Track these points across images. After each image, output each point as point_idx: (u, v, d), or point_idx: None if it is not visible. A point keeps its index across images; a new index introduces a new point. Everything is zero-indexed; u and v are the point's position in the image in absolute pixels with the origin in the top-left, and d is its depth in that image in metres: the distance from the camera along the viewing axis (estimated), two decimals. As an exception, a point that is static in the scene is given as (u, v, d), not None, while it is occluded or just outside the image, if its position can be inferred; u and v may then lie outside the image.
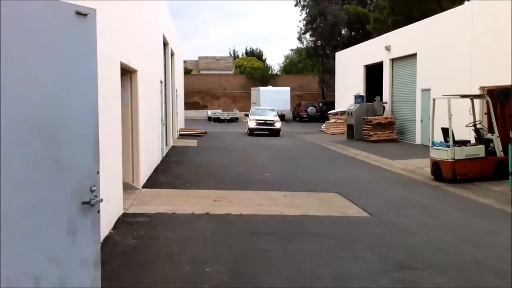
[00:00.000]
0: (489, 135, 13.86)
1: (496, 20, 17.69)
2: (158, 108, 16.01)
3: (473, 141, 14.34)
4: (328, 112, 35.47)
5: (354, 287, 5.84)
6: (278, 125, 30.23)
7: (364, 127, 25.79)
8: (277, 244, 7.54)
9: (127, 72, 11.07)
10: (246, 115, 33.48)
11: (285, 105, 46.13)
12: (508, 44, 16.61)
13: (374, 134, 25.03)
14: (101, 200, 3.98)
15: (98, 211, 3.99)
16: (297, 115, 47.91)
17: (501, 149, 13.43)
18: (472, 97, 14.66)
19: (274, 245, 7.50)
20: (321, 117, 42.56)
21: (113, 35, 8.35)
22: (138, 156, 11.54)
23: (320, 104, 47.30)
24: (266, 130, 30.04)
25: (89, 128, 3.94)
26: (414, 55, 24.45)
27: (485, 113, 14.89)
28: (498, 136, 13.54)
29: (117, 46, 8.83)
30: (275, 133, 29.99)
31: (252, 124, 30.27)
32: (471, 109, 14.30)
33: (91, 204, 3.87)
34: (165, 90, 19.57)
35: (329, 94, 49.44)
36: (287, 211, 9.72)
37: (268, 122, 30.17)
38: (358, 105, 27.65)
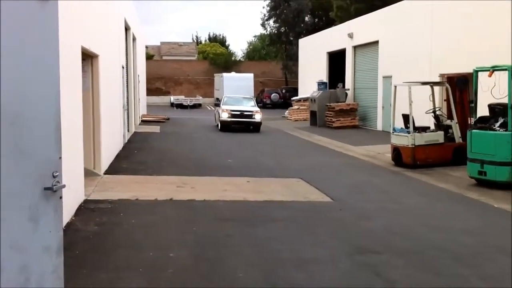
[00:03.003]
0: (448, 122, 14.19)
1: (455, 8, 18.03)
2: (119, 94, 15.80)
3: (432, 127, 14.66)
4: (292, 99, 35.61)
5: (316, 270, 5.93)
6: (258, 117, 24.10)
7: (327, 113, 26.02)
8: (241, 230, 7.59)
9: (88, 57, 10.88)
10: (217, 105, 27.16)
11: (249, 92, 45.91)
12: (467, 32, 16.99)
13: (337, 120, 25.29)
14: (64, 186, 3.92)
15: (61, 197, 3.92)
16: (261, 102, 47.93)
17: (459, 135, 13.77)
18: (432, 84, 14.98)
19: (238, 230, 7.54)
20: (284, 103, 42.71)
21: (74, 19, 8.18)
22: (99, 142, 11.37)
23: (283, 91, 47.49)
24: (242, 124, 23.94)
25: (51, 113, 3.86)
26: (376, 43, 24.75)
27: (445, 100, 15.23)
28: (457, 123, 13.88)
29: (78, 30, 8.66)
30: (254, 127, 24.04)
31: (225, 116, 23.71)
32: (431, 96, 14.59)
33: (53, 190, 3.81)
34: (127, 75, 19.31)
35: (292, 81, 49.60)
36: (251, 196, 9.77)
37: (245, 113, 24.05)
38: (321, 91, 27.85)
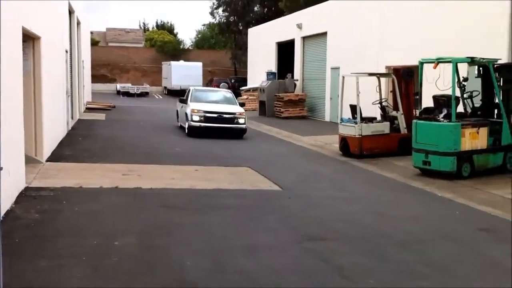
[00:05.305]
0: (394, 113, 14.42)
1: (402, 2, 18.32)
2: (63, 79, 15.28)
3: (379, 118, 14.88)
4: (241, 89, 35.47)
5: (264, 257, 5.88)
6: (242, 121, 17.60)
7: (276, 103, 26.05)
8: (189, 217, 7.47)
9: (29, 39, 10.43)
10: (182, 101, 19.25)
11: (197, 81, 45.60)
12: (413, 25, 17.32)
13: (285, 110, 25.36)
14: (1, 168, 3.71)
15: (-2, 181, 3.72)
16: (209, 91, 47.54)
17: (404, 126, 14.02)
18: (379, 75, 15.19)
19: (185, 218, 7.42)
20: (233, 93, 42.48)
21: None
22: (41, 128, 10.95)
23: (232, 80, 47.23)
24: (221, 130, 17.25)
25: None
26: (324, 34, 24.89)
27: (391, 91, 15.48)
28: (402, 114, 14.12)
29: (18, 10, 8.26)
30: (237, 134, 17.55)
31: (196, 119, 17.16)
32: (377, 87, 14.79)
33: (-11, 173, 3.60)
34: (71, 60, 18.70)
35: (241, 71, 49.45)
36: (199, 184, 9.65)
37: (225, 116, 17.37)
38: (270, 81, 27.81)
